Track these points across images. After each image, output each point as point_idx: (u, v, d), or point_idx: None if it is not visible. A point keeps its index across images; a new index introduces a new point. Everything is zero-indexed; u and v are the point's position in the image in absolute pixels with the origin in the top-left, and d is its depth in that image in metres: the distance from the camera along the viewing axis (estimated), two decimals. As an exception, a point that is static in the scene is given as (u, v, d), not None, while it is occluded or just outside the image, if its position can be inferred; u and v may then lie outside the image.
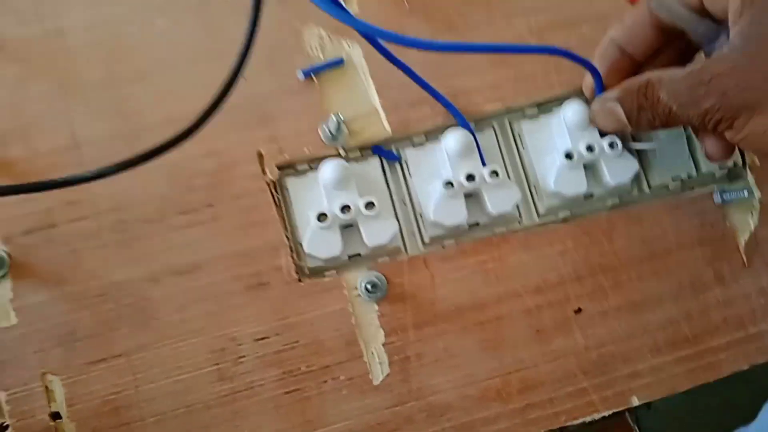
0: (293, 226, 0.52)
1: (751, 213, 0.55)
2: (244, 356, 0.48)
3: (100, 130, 0.50)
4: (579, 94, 0.55)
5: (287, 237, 0.51)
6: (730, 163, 0.56)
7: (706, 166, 0.56)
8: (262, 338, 0.49)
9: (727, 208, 0.55)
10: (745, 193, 0.53)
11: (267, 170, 0.51)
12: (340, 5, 0.45)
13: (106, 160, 0.44)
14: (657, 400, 0.51)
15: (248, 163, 0.51)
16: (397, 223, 0.51)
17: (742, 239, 0.54)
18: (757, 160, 0.55)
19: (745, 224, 0.55)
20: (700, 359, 0.52)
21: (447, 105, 0.53)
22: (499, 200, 0.52)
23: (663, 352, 0.52)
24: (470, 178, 0.51)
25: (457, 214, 0.51)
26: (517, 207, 0.54)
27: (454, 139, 0.52)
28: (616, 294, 0.52)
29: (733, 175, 0.57)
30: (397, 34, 0.43)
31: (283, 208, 0.52)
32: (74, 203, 0.49)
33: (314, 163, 0.53)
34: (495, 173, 0.52)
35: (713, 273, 0.54)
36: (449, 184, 0.51)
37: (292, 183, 0.53)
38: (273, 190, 0.51)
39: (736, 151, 0.56)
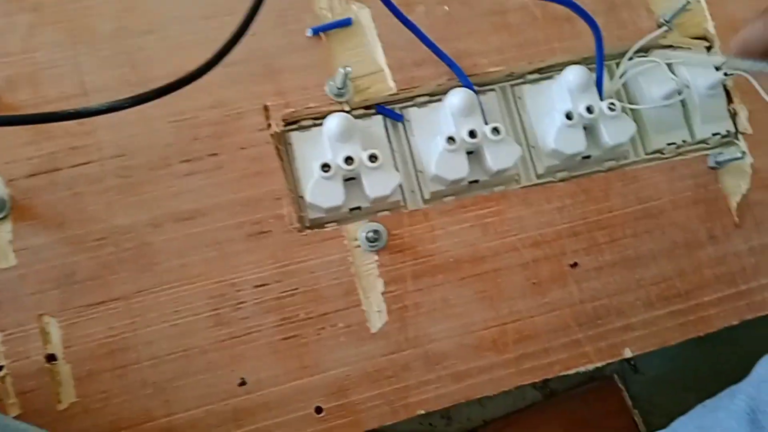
0: (296, 179, 0.41)
1: (743, 177, 0.44)
2: (243, 302, 0.38)
3: (108, 79, 0.40)
4: (581, 61, 0.45)
5: (290, 188, 0.41)
6: (722, 130, 0.46)
7: (700, 132, 0.45)
8: (262, 285, 0.38)
9: (720, 171, 0.44)
10: (739, 153, 0.43)
11: (272, 122, 0.41)
12: None
13: None
14: (645, 364, 0.42)
15: (254, 115, 0.41)
16: (399, 175, 0.41)
17: (734, 201, 0.44)
18: (749, 128, 0.45)
19: (736, 187, 0.44)
20: (691, 314, 0.42)
21: (451, 65, 0.42)
22: (501, 156, 0.41)
23: (656, 306, 0.42)
24: (472, 134, 0.41)
25: (459, 168, 0.41)
26: (517, 166, 0.44)
27: (457, 97, 0.41)
28: (612, 250, 0.42)
29: (726, 143, 0.46)
30: None
31: (286, 161, 0.42)
32: (79, 148, 0.38)
33: (319, 118, 0.43)
34: (496, 130, 0.41)
35: (706, 232, 0.43)
36: (451, 139, 0.41)
37: (296, 137, 0.42)
38: (277, 142, 0.41)
39: (729, 121, 0.46)
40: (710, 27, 0.46)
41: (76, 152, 0.39)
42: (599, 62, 0.42)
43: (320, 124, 0.42)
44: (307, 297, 0.39)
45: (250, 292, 0.38)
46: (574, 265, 0.41)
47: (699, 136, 0.46)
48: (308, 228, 0.40)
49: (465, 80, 0.43)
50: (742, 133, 0.45)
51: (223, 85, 0.41)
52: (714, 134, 0.45)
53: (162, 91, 0.34)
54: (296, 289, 0.39)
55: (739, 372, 0.42)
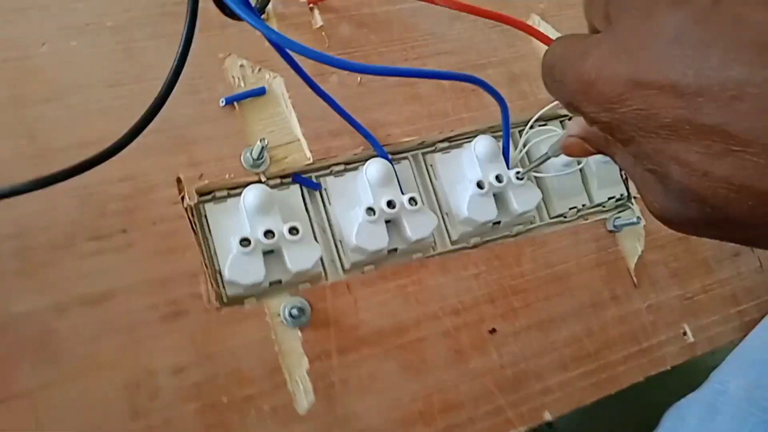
0: (212, 254, 0.42)
1: (638, 239, 0.50)
2: (160, 390, 0.38)
3: (2, 150, 0.39)
4: (487, 130, 0.49)
5: (206, 264, 0.41)
6: (617, 194, 0.52)
7: (597, 197, 0.51)
8: (180, 370, 0.38)
9: (618, 235, 0.50)
10: (635, 219, 0.48)
11: (186, 195, 0.41)
12: (256, 13, 0.36)
13: (9, 182, 0.33)
14: (560, 420, 0.45)
15: (166, 187, 0.41)
16: (319, 247, 0.43)
17: (632, 263, 0.50)
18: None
19: (633, 249, 0.50)
20: (601, 373, 0.47)
21: (367, 135, 0.45)
22: (418, 226, 0.44)
23: (569, 367, 0.46)
24: (390, 204, 0.44)
25: (379, 239, 0.43)
26: (433, 234, 0.47)
27: (375, 168, 0.44)
28: (526, 314, 0.46)
29: (620, 205, 0.53)
30: (314, 50, 0.35)
31: (201, 235, 0.42)
32: (-32, 229, 0.37)
33: (234, 189, 0.43)
34: (413, 200, 0.44)
35: (609, 293, 0.48)
36: (371, 210, 0.43)
37: (210, 209, 0.43)
38: (192, 216, 0.42)
39: (623, 185, 0.52)
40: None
41: (-36, 233, 0.37)
42: (506, 134, 0.46)
43: (235, 195, 0.43)
44: (229, 379, 0.39)
45: (168, 379, 0.37)
46: (493, 331, 0.45)
47: (597, 200, 0.51)
48: (227, 305, 0.41)
49: (381, 151, 0.46)
50: (635, 197, 0.51)
51: (132, 157, 0.40)
52: (609, 198, 0.51)
53: (73, 170, 0.34)
54: (217, 372, 0.39)
55: (647, 423, 0.47)
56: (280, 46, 0.35)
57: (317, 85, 0.42)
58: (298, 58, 0.40)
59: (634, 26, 0.24)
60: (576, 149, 0.34)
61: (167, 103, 0.42)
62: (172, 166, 0.42)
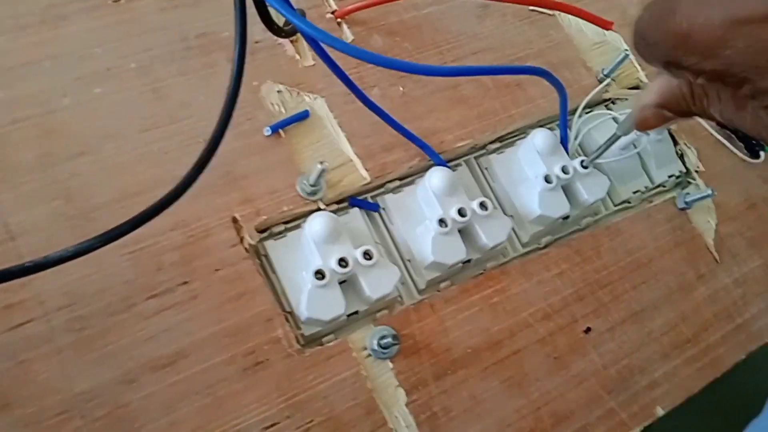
0: (281, 294, 0.37)
1: (710, 213, 0.47)
2: (256, 452, 0.33)
3: (39, 216, 0.34)
4: (536, 123, 0.46)
5: (279, 305, 0.36)
6: (675, 172, 0.48)
7: (657, 177, 0.48)
8: (272, 425, 0.33)
9: (689, 211, 0.46)
10: (709, 191, 0.45)
11: (245, 235, 0.37)
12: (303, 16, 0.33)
13: (50, 249, 0.29)
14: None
15: (223, 230, 0.36)
16: (397, 269, 0.38)
17: (709, 238, 0.46)
18: (701, 165, 0.48)
19: (707, 224, 0.46)
20: (704, 357, 0.42)
21: (423, 146, 0.41)
22: (493, 231, 0.40)
23: (671, 356, 0.42)
24: (461, 212, 0.39)
25: (457, 250, 0.39)
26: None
27: (438, 177, 0.40)
28: (617, 307, 0.42)
29: (680, 182, 0.49)
30: (379, 55, 0.32)
31: (266, 276, 0.37)
32: (15, 305, 0.32)
33: (290, 222, 0.39)
34: (484, 205, 0.40)
35: (694, 273, 0.44)
36: (442, 221, 0.39)
37: (271, 247, 0.38)
38: (254, 256, 0.37)
39: (679, 162, 0.49)
40: (642, 76, 0.50)
41: (12, 311, 0.32)
42: (563, 123, 0.43)
43: (294, 228, 0.39)
44: (325, 427, 0.34)
45: (262, 438, 0.32)
46: (588, 330, 0.40)
47: (657, 181, 0.48)
48: (307, 346, 0.36)
49: (438, 159, 0.42)
50: (697, 171, 0.48)
51: (181, 202, 0.36)
52: (669, 176, 0.48)
53: (138, 221, 0.29)
54: (311, 420, 0.34)
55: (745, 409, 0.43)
56: (343, 51, 0.31)
57: (368, 98, 0.38)
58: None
59: None
60: (653, 120, 0.31)
61: (209, 139, 0.38)
62: (225, 206, 0.37)
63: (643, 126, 0.32)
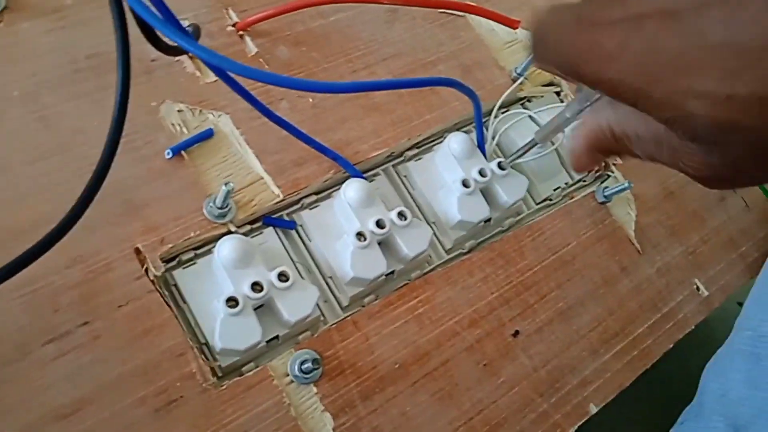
0: (193, 325, 0.35)
1: (629, 205, 0.47)
2: (172, 498, 0.31)
3: None
4: (452, 127, 0.45)
5: (190, 338, 0.34)
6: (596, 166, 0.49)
7: (577, 174, 0.48)
8: (191, 467, 0.32)
9: (609, 205, 0.46)
10: (626, 183, 0.45)
11: (150, 266, 0.35)
12: (189, 36, 0.31)
13: None
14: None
15: (125, 262, 0.34)
16: (315, 288, 0.37)
17: (630, 230, 0.46)
18: (618, 158, 0.49)
19: (627, 216, 0.47)
20: (632, 349, 0.42)
21: (335, 157, 0.40)
22: (413, 241, 0.39)
23: (600, 352, 0.42)
24: (379, 224, 0.38)
25: (377, 264, 0.38)
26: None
27: (354, 189, 0.39)
28: (544, 307, 0.41)
29: (600, 176, 0.49)
30: (276, 75, 0.30)
31: (176, 307, 0.35)
32: None
33: (201, 248, 0.37)
34: (402, 215, 0.39)
35: (617, 266, 0.44)
36: (360, 235, 0.38)
37: (180, 276, 0.36)
38: (161, 288, 0.35)
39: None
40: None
41: None
42: (479, 127, 0.42)
43: (204, 254, 0.37)
44: (249, 463, 0.32)
45: (180, 483, 0.31)
46: (516, 333, 0.40)
47: (576, 176, 0.48)
48: (224, 378, 0.34)
49: (354, 171, 0.40)
50: (614, 164, 0.48)
51: (77, 236, 0.33)
52: (588, 171, 0.48)
53: (12, 267, 0.27)
54: (234, 458, 0.32)
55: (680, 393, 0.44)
56: (238, 74, 0.30)
57: (274, 113, 0.37)
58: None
59: None
60: (589, 162, 0.31)
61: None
62: (127, 236, 0.35)
63: (581, 169, 0.32)
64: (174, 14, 0.29)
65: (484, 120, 0.47)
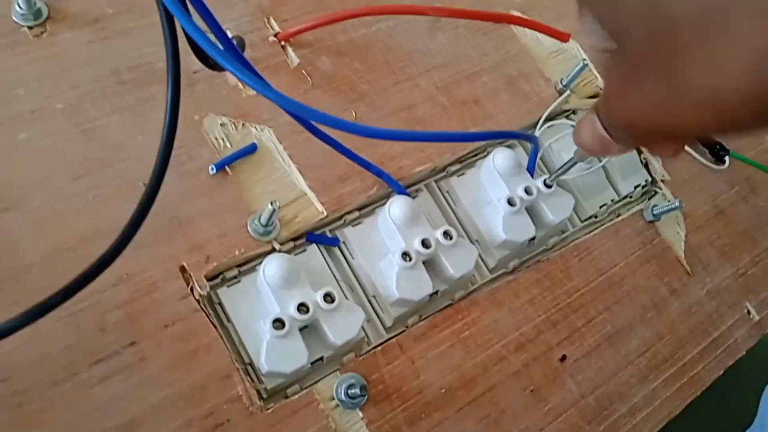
0: (240, 344, 0.37)
1: (678, 223, 0.48)
2: None
3: (-38, 281, 0.33)
4: (504, 144, 0.47)
5: (236, 359, 0.36)
6: (641, 181, 0.50)
7: (624, 188, 0.49)
8: (238, 493, 0.33)
9: (657, 223, 0.48)
10: (677, 202, 0.46)
11: (195, 285, 0.36)
12: (254, 70, 0.32)
13: None
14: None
15: (170, 281, 0.36)
16: (361, 310, 0.38)
17: (680, 250, 0.48)
18: (666, 174, 0.49)
19: (676, 236, 0.48)
20: (682, 376, 0.44)
21: (379, 174, 0.41)
22: (459, 261, 0.40)
23: (649, 378, 0.43)
24: (425, 244, 0.40)
25: (423, 285, 0.39)
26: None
27: (399, 207, 0.40)
28: (592, 331, 0.42)
29: (647, 192, 0.50)
30: (350, 123, 0.31)
31: (221, 327, 0.37)
32: (-58, 385, 0.31)
33: (244, 266, 0.39)
34: (448, 234, 0.41)
35: (666, 288, 0.46)
36: (406, 255, 0.39)
37: (225, 294, 0.37)
38: (206, 307, 0.36)
39: (644, 171, 0.50)
40: (601, 84, 0.51)
41: (-62, 392, 0.30)
42: (532, 163, 0.44)
43: (248, 272, 0.38)
44: (296, 490, 0.34)
45: None
46: (563, 358, 0.41)
47: (623, 192, 0.49)
48: (269, 400, 0.36)
49: (398, 187, 0.42)
50: (663, 180, 0.49)
51: (122, 255, 0.35)
52: (635, 187, 0.49)
53: (70, 290, 0.28)
54: (280, 483, 0.33)
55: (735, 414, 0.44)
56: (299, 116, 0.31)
57: (319, 129, 0.38)
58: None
59: None
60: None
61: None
62: (172, 254, 0.36)
63: (581, 142, 0.31)
64: (238, 50, 0.30)
65: (528, 132, 0.48)
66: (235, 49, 0.30)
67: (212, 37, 0.31)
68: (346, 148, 0.40)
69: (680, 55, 0.21)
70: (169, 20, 0.30)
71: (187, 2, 0.30)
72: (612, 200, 0.48)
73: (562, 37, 0.44)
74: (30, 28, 0.39)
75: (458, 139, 0.42)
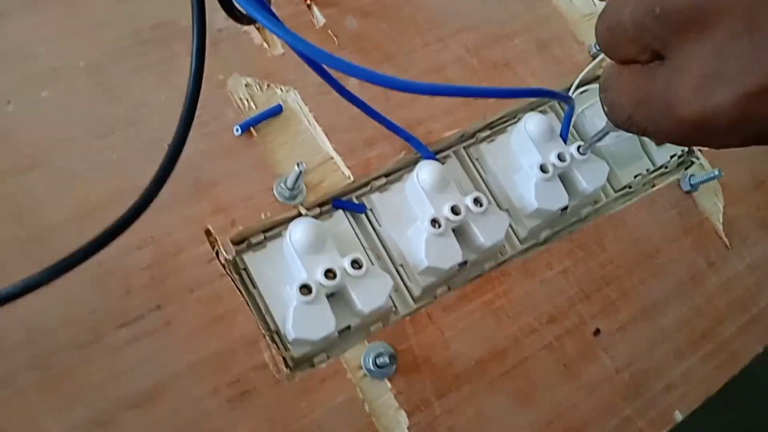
0: (266, 310, 0.37)
1: (716, 194, 0.48)
2: (249, 492, 0.32)
3: (-15, 241, 0.33)
4: (527, 106, 0.46)
5: (262, 325, 0.36)
6: (678, 151, 0.49)
7: (659, 158, 0.48)
8: (265, 460, 0.33)
9: (695, 194, 0.47)
10: (716, 171, 0.46)
11: (221, 248, 0.36)
12: (275, 16, 0.32)
13: (3, 279, 0.28)
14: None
15: (195, 244, 0.36)
16: (389, 277, 0.38)
17: (718, 222, 0.47)
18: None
19: (714, 206, 0.47)
20: (721, 352, 0.43)
21: (408, 137, 0.41)
22: (490, 229, 0.40)
23: (686, 354, 0.43)
24: (455, 210, 0.40)
25: (452, 253, 0.39)
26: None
27: (428, 172, 0.40)
28: (626, 304, 0.42)
29: (683, 162, 0.50)
30: (370, 70, 0.31)
31: (246, 292, 0.37)
32: (-33, 345, 0.31)
33: (270, 231, 0.39)
34: (478, 201, 0.40)
35: (704, 261, 0.45)
36: (435, 222, 0.39)
37: (251, 260, 0.38)
38: (232, 272, 0.37)
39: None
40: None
41: (-37, 352, 0.31)
42: (566, 127, 0.44)
43: (274, 237, 0.38)
44: (324, 459, 0.34)
45: (255, 476, 0.32)
46: (597, 332, 0.41)
47: (659, 162, 0.49)
48: (296, 368, 0.36)
49: (426, 152, 0.42)
50: (700, 150, 0.49)
51: (147, 216, 0.35)
52: (671, 156, 0.49)
53: (91, 248, 0.28)
54: (308, 452, 0.34)
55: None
56: (328, 64, 0.31)
57: (347, 90, 0.38)
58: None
59: None
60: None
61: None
62: (197, 216, 0.36)
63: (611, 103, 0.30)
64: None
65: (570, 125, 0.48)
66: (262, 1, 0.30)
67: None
68: (374, 110, 0.40)
69: None
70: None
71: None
72: (647, 170, 0.48)
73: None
74: (50, -17, 0.39)
75: (491, 95, 0.41)
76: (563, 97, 0.41)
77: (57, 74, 0.37)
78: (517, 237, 0.44)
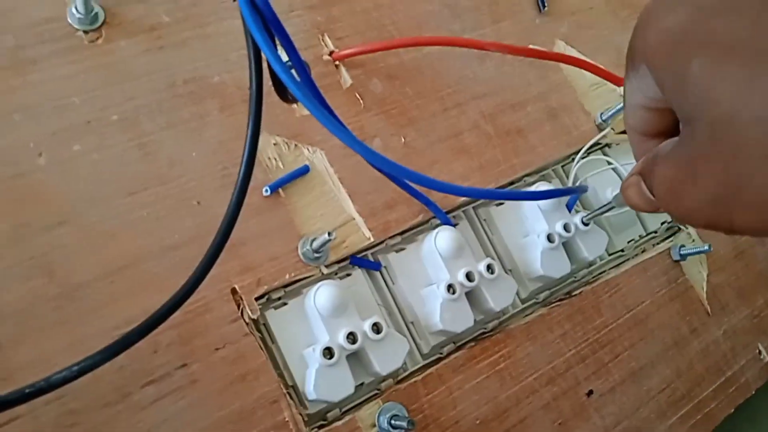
0: (284, 366, 0.36)
1: (701, 263, 0.49)
2: None
3: (17, 298, 0.31)
4: (535, 172, 0.46)
5: (283, 384, 0.35)
6: (668, 217, 0.50)
7: (651, 225, 0.49)
8: None
9: (682, 263, 0.48)
10: (707, 246, 0.46)
11: (246, 308, 0.35)
12: (328, 106, 0.31)
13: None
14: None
15: (222, 303, 0.35)
16: (405, 340, 0.38)
17: (702, 291, 0.48)
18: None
19: (699, 276, 0.48)
20: (697, 413, 0.44)
21: (428, 203, 0.40)
22: (499, 295, 0.40)
23: (668, 415, 0.44)
24: (469, 277, 0.40)
25: (465, 318, 0.39)
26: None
27: (446, 238, 0.39)
28: (618, 367, 0.43)
29: (671, 228, 0.50)
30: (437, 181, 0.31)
31: (266, 348, 0.36)
32: (-1, 404, 0.30)
33: (289, 287, 0.38)
34: (491, 268, 0.40)
35: (687, 327, 0.46)
36: (451, 287, 0.39)
37: (272, 317, 0.37)
38: (255, 331, 0.36)
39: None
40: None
41: (-6, 411, 0.29)
42: (572, 204, 0.44)
43: (293, 294, 0.37)
44: None
45: None
46: (590, 393, 0.42)
47: (651, 228, 0.49)
48: (315, 426, 0.35)
49: (444, 218, 0.41)
50: (687, 221, 0.50)
51: (174, 276, 0.34)
52: (662, 223, 0.49)
53: (153, 323, 0.27)
54: None
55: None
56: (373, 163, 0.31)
57: (377, 154, 0.37)
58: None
59: None
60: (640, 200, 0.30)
61: (203, 202, 0.36)
62: (224, 276, 0.35)
63: (629, 197, 0.29)
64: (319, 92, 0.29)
65: (563, 165, 0.48)
66: (317, 90, 0.29)
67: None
68: (398, 176, 0.39)
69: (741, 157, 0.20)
70: (255, 54, 0.29)
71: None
72: (639, 236, 0.48)
73: (617, 81, 0.43)
74: (86, 32, 0.37)
75: (527, 198, 0.43)
76: (581, 190, 0.41)
77: (90, 127, 0.35)
78: (518, 297, 0.44)
